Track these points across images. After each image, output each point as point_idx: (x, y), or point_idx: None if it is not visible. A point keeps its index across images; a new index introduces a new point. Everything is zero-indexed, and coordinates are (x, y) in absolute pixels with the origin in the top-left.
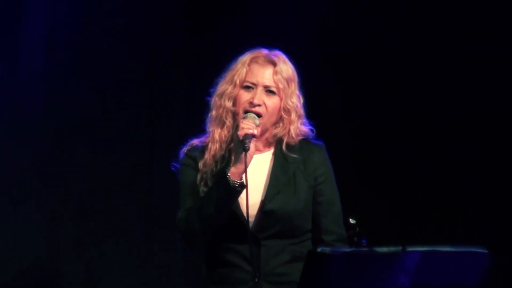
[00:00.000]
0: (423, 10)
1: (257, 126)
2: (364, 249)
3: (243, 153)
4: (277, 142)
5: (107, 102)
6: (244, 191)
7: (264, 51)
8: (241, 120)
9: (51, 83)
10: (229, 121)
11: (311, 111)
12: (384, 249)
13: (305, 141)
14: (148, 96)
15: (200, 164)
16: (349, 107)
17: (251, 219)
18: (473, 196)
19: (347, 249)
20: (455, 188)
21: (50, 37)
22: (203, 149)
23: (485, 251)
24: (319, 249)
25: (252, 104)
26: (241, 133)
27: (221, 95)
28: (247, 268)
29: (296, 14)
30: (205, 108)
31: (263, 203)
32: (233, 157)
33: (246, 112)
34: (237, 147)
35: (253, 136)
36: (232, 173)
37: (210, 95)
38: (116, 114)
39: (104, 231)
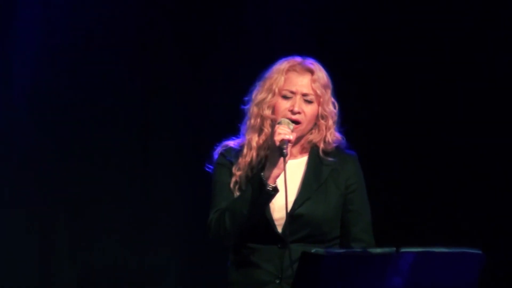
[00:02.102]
0: (423, 10)
1: (292, 131)
2: (358, 250)
3: (280, 158)
4: (312, 148)
5: (100, 104)
6: (283, 195)
7: (299, 59)
8: (276, 125)
9: (45, 85)
10: (267, 129)
11: None
12: (378, 250)
13: (338, 149)
14: (142, 98)
15: (234, 169)
16: (347, 107)
17: (280, 222)
18: (468, 196)
19: (341, 250)
20: (450, 189)
21: (44, 40)
22: (238, 153)
23: (480, 252)
24: (313, 250)
25: (292, 111)
26: (277, 138)
27: (259, 104)
28: (270, 269)
29: (292, 19)
30: (202, 111)
31: (293, 207)
32: (268, 162)
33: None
34: (273, 153)
35: (288, 141)
36: (267, 177)
37: (245, 103)
38: (110, 115)
39: (99, 232)
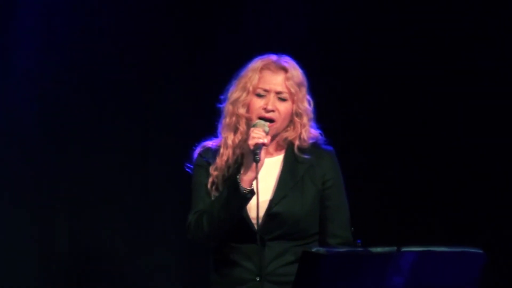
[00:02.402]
0: (421, 10)
1: (267, 134)
2: (359, 249)
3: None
4: (288, 146)
5: (101, 103)
6: (255, 197)
7: (274, 57)
8: (251, 129)
9: (45, 84)
10: (242, 127)
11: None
12: (378, 250)
13: (315, 145)
14: (143, 96)
15: (212, 169)
16: (346, 107)
17: (258, 220)
18: (469, 196)
19: (342, 249)
20: (451, 188)
21: (45, 38)
22: (215, 153)
23: (481, 251)
24: (314, 249)
25: (266, 110)
26: (251, 142)
27: (234, 102)
28: (250, 267)
29: (292, 18)
30: (197, 109)
31: (269, 206)
32: (243, 165)
33: (260, 118)
34: (248, 156)
35: (263, 145)
36: (243, 180)
37: (220, 101)
38: (110, 114)
39: (99, 231)
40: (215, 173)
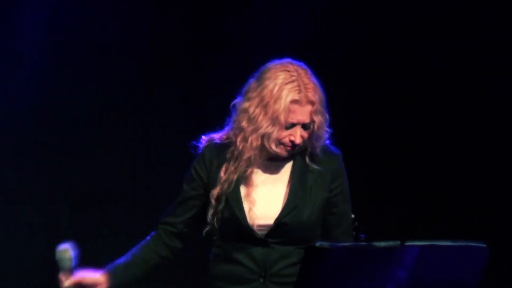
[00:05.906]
0: (421, 12)
1: (69, 271)
2: (363, 243)
3: None
4: (299, 152)
5: (105, 100)
6: (268, 202)
7: (301, 82)
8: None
9: (47, 83)
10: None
11: None
12: (382, 244)
13: (323, 148)
14: (147, 93)
15: (224, 170)
16: (350, 103)
17: (263, 228)
18: (472, 190)
19: (346, 243)
20: (454, 182)
21: (49, 36)
22: (219, 149)
23: (484, 245)
24: (317, 243)
25: (293, 143)
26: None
27: (257, 130)
28: (253, 268)
29: (296, 14)
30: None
31: (279, 216)
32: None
33: (284, 145)
34: None
35: None
36: None
37: (236, 105)
38: (114, 112)
39: (101, 230)
40: (223, 176)
